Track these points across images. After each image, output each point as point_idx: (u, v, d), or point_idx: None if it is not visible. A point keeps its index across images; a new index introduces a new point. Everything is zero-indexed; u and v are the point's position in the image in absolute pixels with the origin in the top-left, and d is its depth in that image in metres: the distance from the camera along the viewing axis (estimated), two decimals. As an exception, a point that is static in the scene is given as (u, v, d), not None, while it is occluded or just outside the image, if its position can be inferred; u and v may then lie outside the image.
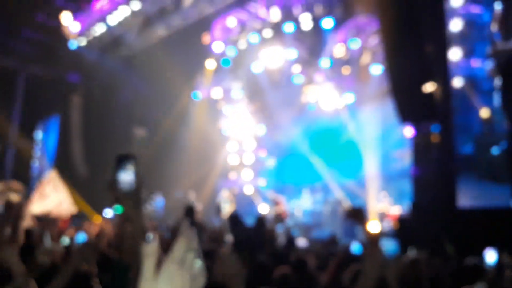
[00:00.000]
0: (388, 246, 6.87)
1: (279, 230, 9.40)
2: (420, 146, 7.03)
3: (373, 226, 9.08)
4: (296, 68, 12.14)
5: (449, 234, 5.23)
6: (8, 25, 13.42)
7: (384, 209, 9.59)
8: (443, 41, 6.98)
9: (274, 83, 12.59)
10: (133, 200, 1.46)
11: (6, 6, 12.59)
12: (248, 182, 12.92)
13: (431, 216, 6.46)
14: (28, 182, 14.92)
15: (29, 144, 15.49)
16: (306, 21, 10.92)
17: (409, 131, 7.33)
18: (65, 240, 4.56)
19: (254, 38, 11.97)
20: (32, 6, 12.85)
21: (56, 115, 15.83)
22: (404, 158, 9.03)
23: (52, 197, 8.81)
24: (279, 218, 10.62)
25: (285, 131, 12.92)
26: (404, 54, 6.84)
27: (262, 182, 13.06)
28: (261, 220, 6.14)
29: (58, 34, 13.34)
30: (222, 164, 13.40)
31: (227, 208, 11.87)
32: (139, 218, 1.46)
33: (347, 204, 10.50)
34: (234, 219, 6.52)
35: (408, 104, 6.92)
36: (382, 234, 8.40)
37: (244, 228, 6.38)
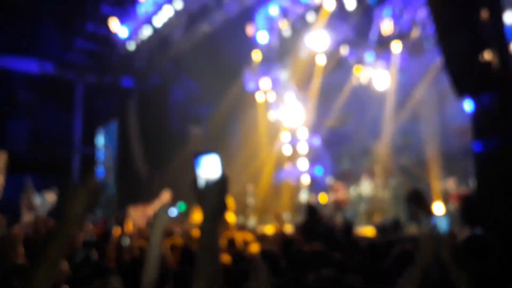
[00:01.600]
0: (443, 224, 6.49)
1: (339, 217, 9.19)
2: (481, 119, 6.55)
3: (437, 208, 8.66)
4: (344, 50, 11.77)
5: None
6: (63, 38, 14.08)
7: (448, 189, 9.10)
8: (497, 4, 6.44)
9: (322, 67, 12.29)
10: (216, 197, 1.34)
11: (58, 20, 13.19)
12: (305, 171, 12.74)
13: (498, 193, 6.01)
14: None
15: (92, 150, 16.21)
16: (350, 1, 10.54)
17: (468, 104, 6.86)
18: (127, 240, 4.66)
19: (298, 23, 11.73)
20: (82, 17, 13.39)
21: (114, 119, 16.45)
22: (466, 134, 8.50)
23: None
24: (339, 205, 10.40)
25: (338, 116, 12.60)
26: (456, 23, 6.39)
27: (318, 170, 12.83)
28: (311, 208, 5.96)
29: (108, 42, 13.83)
30: (276, 155, 13.29)
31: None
32: (217, 220, 1.35)
33: (408, 187, 10.08)
34: (311, 209, 6.37)
35: (465, 75, 6.46)
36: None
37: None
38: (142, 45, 13.62)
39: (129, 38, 13.56)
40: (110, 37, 13.70)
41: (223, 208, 1.34)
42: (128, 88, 15.94)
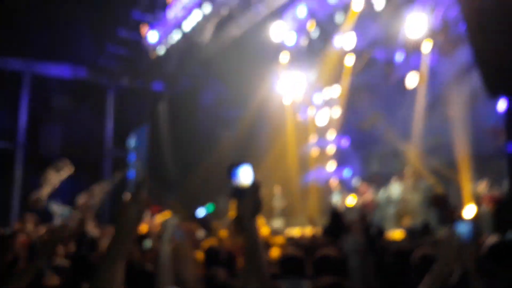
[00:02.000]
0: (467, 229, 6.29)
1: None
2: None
3: (469, 211, 8.46)
4: (373, 50, 11.63)
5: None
6: (95, 44, 14.43)
7: (480, 191, 8.86)
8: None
9: (350, 68, 12.18)
10: (252, 199, 1.51)
11: (91, 27, 13.53)
12: (333, 173, 12.63)
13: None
14: (125, 188, 15.89)
15: (124, 153, 16.54)
16: (378, 1, 10.40)
17: (502, 104, 6.69)
18: (148, 243, 4.57)
19: (326, 24, 11.67)
20: (113, 23, 13.70)
21: (145, 123, 16.74)
22: (498, 134, 8.27)
23: None
24: (365, 208, 10.26)
25: (367, 117, 12.44)
26: (488, 23, 6.24)
27: (347, 172, 12.71)
28: (334, 212, 5.93)
29: (139, 47, 14.09)
30: (304, 157, 13.23)
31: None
32: (254, 223, 1.50)
33: (438, 190, 9.88)
34: (334, 213, 6.36)
35: (498, 75, 6.31)
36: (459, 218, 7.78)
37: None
38: (172, 50, 13.78)
39: (159, 42, 13.75)
40: (141, 42, 13.95)
41: (259, 208, 1.50)
42: (159, 92, 16.20)
